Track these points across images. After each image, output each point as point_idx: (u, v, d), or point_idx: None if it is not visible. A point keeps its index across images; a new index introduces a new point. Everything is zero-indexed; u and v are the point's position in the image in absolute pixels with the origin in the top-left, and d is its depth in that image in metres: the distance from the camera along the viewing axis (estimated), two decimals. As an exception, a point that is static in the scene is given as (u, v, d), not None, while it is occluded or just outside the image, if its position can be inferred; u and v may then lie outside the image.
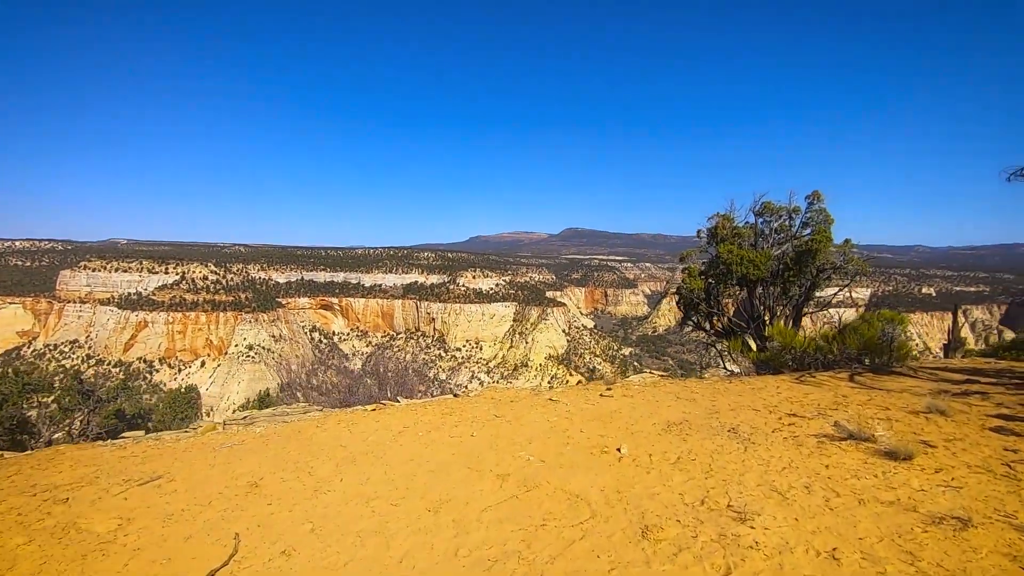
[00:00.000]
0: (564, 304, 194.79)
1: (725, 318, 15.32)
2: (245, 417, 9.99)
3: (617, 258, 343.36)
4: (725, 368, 14.65)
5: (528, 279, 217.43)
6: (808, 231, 14.09)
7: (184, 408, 27.71)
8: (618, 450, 6.14)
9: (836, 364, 10.35)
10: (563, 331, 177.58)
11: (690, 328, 16.17)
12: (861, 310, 13.03)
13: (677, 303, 16.42)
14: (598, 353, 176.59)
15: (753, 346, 14.01)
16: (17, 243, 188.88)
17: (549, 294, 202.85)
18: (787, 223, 14.70)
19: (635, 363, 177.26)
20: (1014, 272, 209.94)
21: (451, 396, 10.71)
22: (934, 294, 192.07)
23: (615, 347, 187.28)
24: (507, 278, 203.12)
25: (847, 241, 14.02)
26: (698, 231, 15.45)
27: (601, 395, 8.94)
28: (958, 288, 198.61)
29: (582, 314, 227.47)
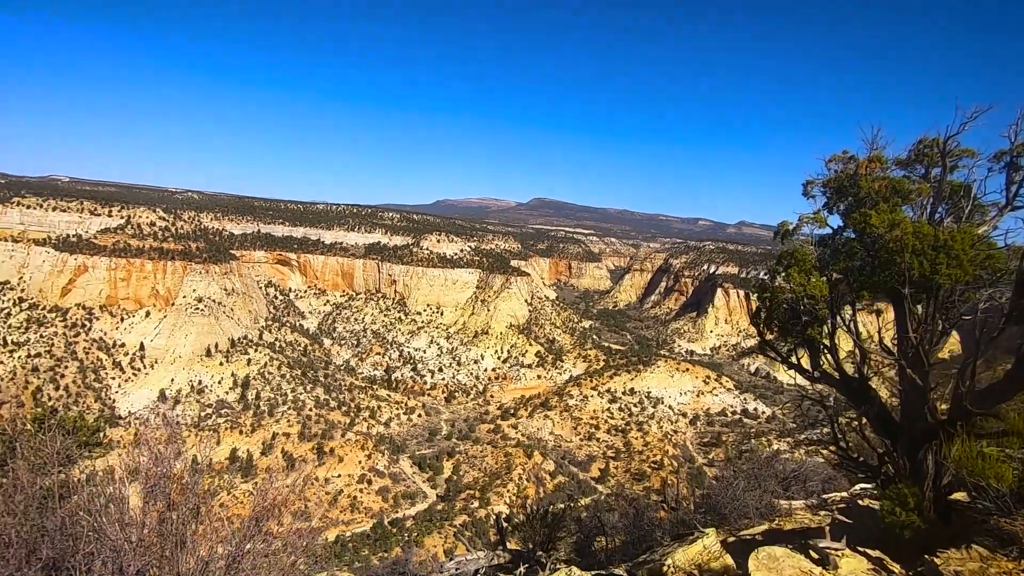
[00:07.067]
0: (528, 274, 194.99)
1: (863, 354, 8.27)
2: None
3: (583, 231, 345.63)
4: (816, 440, 8.20)
5: (494, 247, 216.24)
6: None
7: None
8: None
9: None
10: (525, 301, 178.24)
11: (778, 362, 9.00)
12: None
13: (756, 314, 9.05)
14: (559, 324, 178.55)
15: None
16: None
17: (514, 263, 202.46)
18: (977, 186, 7.97)
19: (594, 335, 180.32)
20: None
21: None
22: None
23: (575, 319, 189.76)
24: (473, 244, 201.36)
25: None
26: (806, 183, 8.79)
27: None
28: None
29: (545, 285, 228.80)
